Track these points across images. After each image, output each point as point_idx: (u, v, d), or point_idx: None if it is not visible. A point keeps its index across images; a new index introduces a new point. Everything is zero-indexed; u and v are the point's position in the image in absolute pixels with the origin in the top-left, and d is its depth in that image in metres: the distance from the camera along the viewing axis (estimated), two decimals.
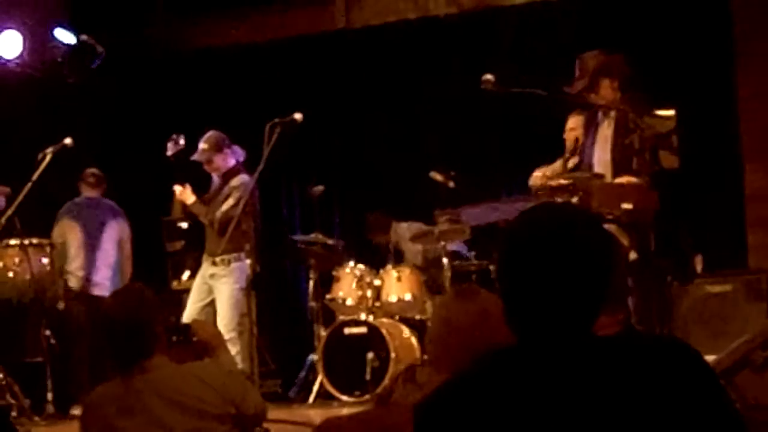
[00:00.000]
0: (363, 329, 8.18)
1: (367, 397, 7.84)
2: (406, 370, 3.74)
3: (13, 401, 7.46)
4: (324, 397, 8.18)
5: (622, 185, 6.32)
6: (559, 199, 6.07)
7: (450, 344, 3.39)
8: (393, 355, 7.93)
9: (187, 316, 7.78)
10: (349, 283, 8.51)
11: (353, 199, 9.95)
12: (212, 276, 7.92)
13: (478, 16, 9.56)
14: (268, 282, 8.87)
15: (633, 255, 6.18)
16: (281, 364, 9.15)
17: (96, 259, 8.45)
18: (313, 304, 8.71)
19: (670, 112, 6.87)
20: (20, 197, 7.65)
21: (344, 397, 8.03)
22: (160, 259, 9.50)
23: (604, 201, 6.14)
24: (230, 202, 7.78)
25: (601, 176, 6.41)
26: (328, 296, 8.59)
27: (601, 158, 6.57)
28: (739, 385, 4.52)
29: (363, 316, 8.31)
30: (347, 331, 8.23)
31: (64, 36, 8.85)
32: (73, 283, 8.40)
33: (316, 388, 8.23)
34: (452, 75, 9.18)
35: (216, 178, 8.10)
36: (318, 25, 10.11)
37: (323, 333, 8.34)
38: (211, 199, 8.01)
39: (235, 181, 7.93)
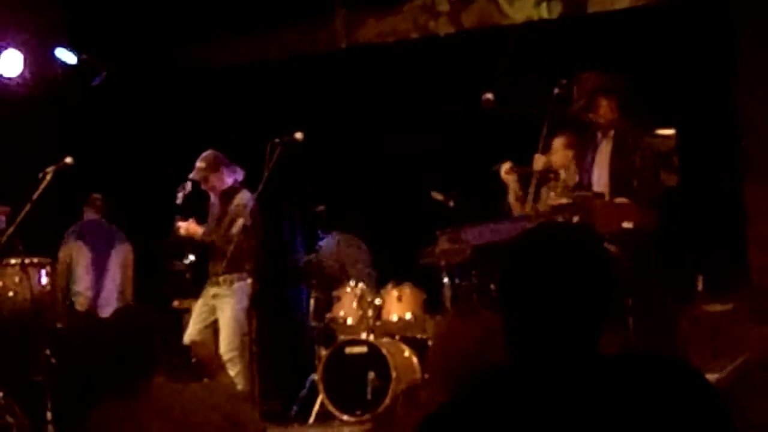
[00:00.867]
0: (364, 349, 8.16)
1: (367, 416, 7.82)
2: (406, 390, 3.74)
3: (12, 421, 7.44)
4: (324, 416, 8.16)
5: (623, 204, 6.32)
6: (560, 219, 6.07)
7: (451, 364, 3.38)
8: (394, 374, 7.90)
9: (188, 337, 7.78)
10: (349, 303, 8.50)
11: (354, 218, 9.94)
12: (215, 296, 7.92)
13: (479, 36, 9.58)
14: (269, 301, 8.86)
15: (633, 274, 6.18)
16: (282, 383, 9.13)
17: (103, 279, 8.54)
18: (313, 323, 8.70)
19: (670, 131, 6.88)
20: (21, 216, 7.65)
21: (345, 417, 8.01)
22: (160, 277, 9.49)
23: (604, 220, 6.14)
24: (240, 222, 7.77)
25: (601, 195, 6.42)
26: (328, 316, 8.59)
27: (601, 178, 6.58)
28: (739, 405, 4.51)
29: (364, 336, 8.30)
30: (348, 350, 8.22)
31: (65, 55, 8.87)
32: (81, 303, 8.47)
33: (316, 407, 8.21)
34: (452, 94, 9.18)
35: (213, 198, 8.11)
36: (319, 44, 10.13)
37: (324, 352, 8.33)
38: (217, 218, 8.02)
39: (239, 200, 7.94)
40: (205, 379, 4.21)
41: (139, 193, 9.32)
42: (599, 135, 6.68)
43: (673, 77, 8.62)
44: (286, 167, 7.54)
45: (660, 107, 7.58)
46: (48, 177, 7.76)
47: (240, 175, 8.08)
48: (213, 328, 7.89)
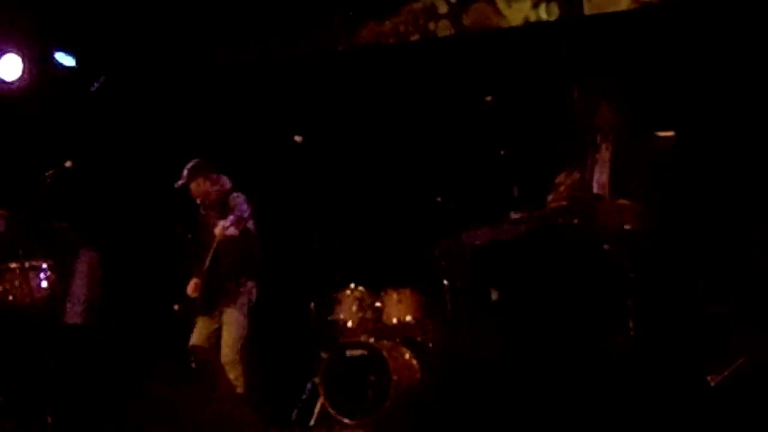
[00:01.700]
0: (364, 352, 8.16)
1: (368, 419, 7.82)
2: (406, 393, 3.74)
3: (12, 426, 7.43)
4: (325, 419, 8.15)
5: (623, 206, 6.32)
6: (560, 221, 6.06)
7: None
8: (394, 377, 7.90)
9: (193, 340, 7.79)
10: (349, 306, 8.50)
11: (353, 220, 9.93)
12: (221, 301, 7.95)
13: (479, 38, 9.57)
14: (269, 304, 8.85)
15: (633, 276, 6.17)
16: (282, 387, 9.12)
17: (71, 287, 8.46)
18: (314, 326, 8.69)
19: (670, 133, 6.88)
20: (20, 220, 7.65)
21: (345, 420, 8.01)
22: (164, 280, 9.49)
23: (605, 222, 6.14)
24: (231, 231, 7.78)
25: (601, 198, 6.42)
26: (329, 318, 8.58)
27: (600, 180, 6.58)
28: (739, 405, 4.50)
29: (364, 339, 8.30)
30: (348, 353, 8.21)
31: (64, 59, 8.88)
32: None
33: (317, 410, 8.20)
34: (453, 96, 9.18)
35: (202, 210, 8.14)
36: (317, 46, 10.13)
37: (324, 355, 8.32)
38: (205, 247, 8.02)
39: (233, 203, 7.96)
40: (206, 383, 4.20)
41: (138, 194, 9.31)
42: (599, 138, 6.68)
43: (671, 79, 8.61)
44: (286, 170, 7.53)
45: (659, 109, 7.58)
46: (48, 181, 7.77)
47: (227, 184, 8.10)
48: (217, 333, 7.90)
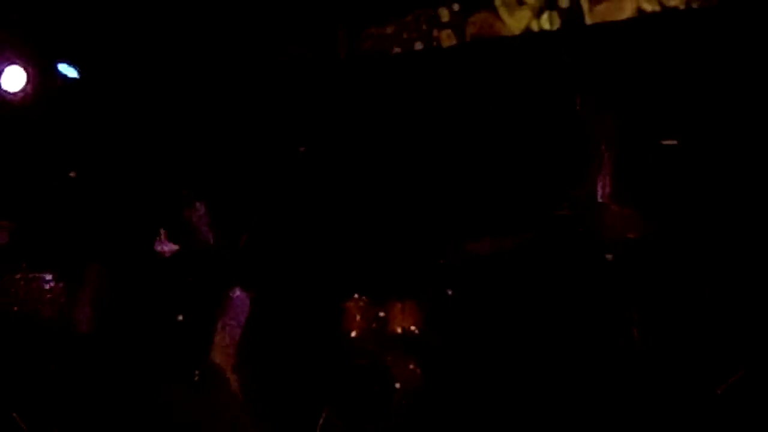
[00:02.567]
0: (368, 361, 8.16)
1: (372, 429, 7.82)
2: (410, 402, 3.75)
3: None
4: (329, 429, 8.15)
5: (627, 214, 6.34)
6: (564, 230, 6.08)
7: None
8: (398, 386, 7.91)
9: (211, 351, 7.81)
10: (354, 315, 8.51)
11: (357, 230, 9.94)
12: None
13: (482, 47, 9.58)
14: (273, 312, 8.86)
15: (637, 284, 6.18)
16: (286, 395, 9.12)
17: (78, 298, 8.48)
18: (318, 336, 8.69)
19: (673, 142, 6.90)
20: (25, 231, 7.67)
21: (349, 429, 8.01)
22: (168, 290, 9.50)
23: (608, 230, 6.15)
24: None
25: (605, 207, 6.43)
26: (333, 328, 8.58)
27: (604, 189, 6.59)
28: (739, 413, 4.52)
29: (368, 348, 8.30)
30: (352, 363, 8.22)
31: (67, 70, 8.90)
32: None
33: (321, 420, 8.20)
34: (457, 105, 9.19)
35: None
36: (319, 54, 10.14)
37: (328, 365, 8.32)
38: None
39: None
40: (213, 389, 4.21)
41: (141, 206, 9.32)
42: (603, 146, 6.70)
43: (674, 87, 8.62)
44: (288, 178, 7.54)
45: (662, 118, 7.59)
46: (52, 191, 7.79)
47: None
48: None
